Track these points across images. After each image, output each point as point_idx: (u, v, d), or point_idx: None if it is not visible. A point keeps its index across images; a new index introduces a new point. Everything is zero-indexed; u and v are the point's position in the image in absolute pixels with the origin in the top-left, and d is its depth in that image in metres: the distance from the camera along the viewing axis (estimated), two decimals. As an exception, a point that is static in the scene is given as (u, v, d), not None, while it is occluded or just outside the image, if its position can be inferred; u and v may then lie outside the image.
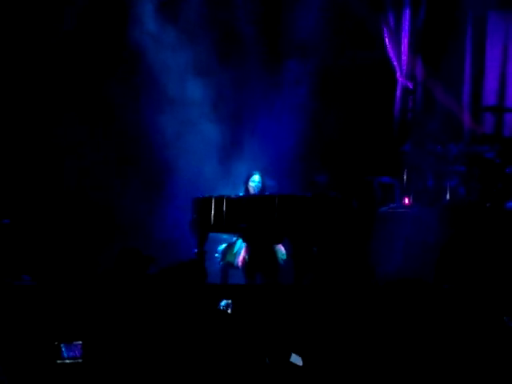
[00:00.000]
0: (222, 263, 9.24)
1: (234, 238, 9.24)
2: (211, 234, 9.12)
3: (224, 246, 9.29)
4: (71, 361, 5.18)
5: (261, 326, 5.98)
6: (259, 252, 9.05)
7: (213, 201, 8.89)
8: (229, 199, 8.87)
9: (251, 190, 9.22)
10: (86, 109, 10.47)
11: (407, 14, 11.51)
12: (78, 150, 10.45)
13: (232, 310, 5.91)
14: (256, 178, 9.24)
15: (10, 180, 10.21)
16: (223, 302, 5.97)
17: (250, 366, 4.74)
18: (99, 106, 10.55)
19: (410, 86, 11.41)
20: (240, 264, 9.10)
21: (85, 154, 10.47)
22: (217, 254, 9.28)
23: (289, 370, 4.97)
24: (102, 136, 10.61)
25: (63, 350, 5.22)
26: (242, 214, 8.82)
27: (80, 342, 5.26)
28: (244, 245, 9.12)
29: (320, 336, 6.44)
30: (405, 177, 10.39)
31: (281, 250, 9.13)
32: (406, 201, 10.24)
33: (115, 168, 10.60)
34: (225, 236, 9.33)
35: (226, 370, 4.68)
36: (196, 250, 8.97)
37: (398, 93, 11.45)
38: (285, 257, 9.10)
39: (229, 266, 9.21)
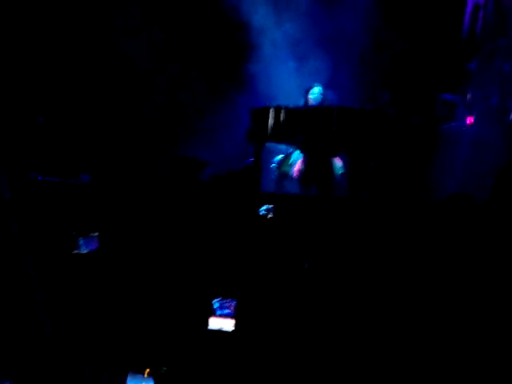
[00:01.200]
0: (277, 173, 9.25)
1: (291, 150, 9.23)
2: (268, 145, 9.12)
3: (280, 156, 9.29)
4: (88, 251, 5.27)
5: (307, 234, 5.99)
6: (315, 164, 9.04)
7: (271, 110, 8.83)
8: (287, 109, 8.81)
9: (311, 102, 9.17)
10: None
11: None
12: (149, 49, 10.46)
13: (273, 215, 5.91)
14: (316, 90, 9.19)
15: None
16: (264, 207, 5.98)
17: (288, 270, 4.77)
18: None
19: (481, 1, 11.02)
20: (295, 175, 9.11)
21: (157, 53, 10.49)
22: (273, 164, 9.29)
23: (326, 278, 4.99)
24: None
25: (81, 242, 5.31)
26: (299, 125, 8.76)
27: (96, 234, 5.35)
28: (300, 156, 9.11)
29: (368, 251, 6.43)
30: (469, 95, 10.14)
31: (338, 163, 9.09)
32: (469, 119, 10.01)
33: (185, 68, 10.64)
34: (281, 147, 9.32)
35: (265, 273, 4.72)
36: (252, 159, 8.98)
37: (469, 8, 11.08)
38: (342, 170, 9.07)
39: (284, 176, 9.23)
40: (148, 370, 5.01)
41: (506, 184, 8.30)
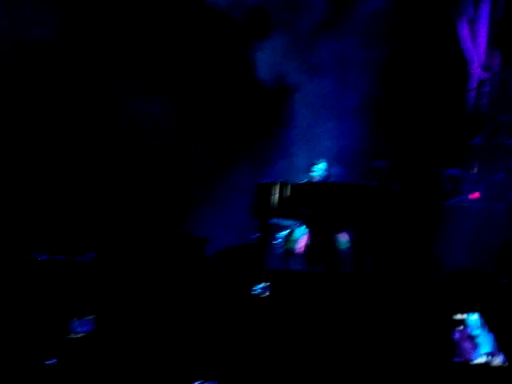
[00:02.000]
0: (282, 249, 9.24)
1: (296, 225, 9.23)
2: (273, 220, 9.16)
3: (286, 232, 9.29)
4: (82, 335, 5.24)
5: (308, 311, 5.96)
6: (321, 240, 9.03)
7: (277, 186, 8.88)
8: (293, 185, 8.88)
9: (315, 178, 9.20)
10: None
11: (487, 3, 11.22)
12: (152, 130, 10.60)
13: (269, 293, 5.89)
14: (321, 165, 9.23)
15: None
16: (260, 285, 5.97)
17: (286, 348, 4.74)
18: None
19: (486, 78, 11.13)
20: (301, 251, 9.10)
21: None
22: (278, 240, 9.29)
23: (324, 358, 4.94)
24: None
25: (75, 324, 5.29)
26: (305, 201, 8.80)
27: (92, 317, 5.34)
28: (306, 232, 9.11)
29: (374, 325, 6.38)
30: (474, 170, 10.19)
31: (343, 238, 9.07)
32: (475, 195, 10.03)
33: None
34: (287, 223, 9.33)
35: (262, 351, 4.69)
36: (257, 235, 8.99)
37: (474, 84, 11.19)
38: (347, 245, 9.05)
39: (289, 252, 9.20)
40: None
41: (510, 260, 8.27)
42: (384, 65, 10.49)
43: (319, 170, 9.19)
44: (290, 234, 9.22)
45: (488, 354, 5.27)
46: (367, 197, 8.60)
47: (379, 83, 10.48)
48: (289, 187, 8.87)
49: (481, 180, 10.12)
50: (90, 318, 5.42)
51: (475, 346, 5.33)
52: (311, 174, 9.23)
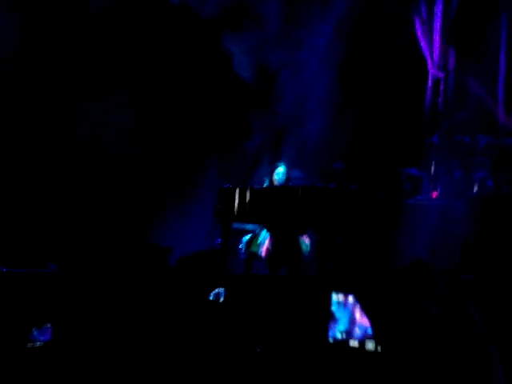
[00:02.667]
0: (246, 254, 9.27)
1: (259, 229, 9.27)
2: (237, 225, 9.20)
3: (248, 236, 9.32)
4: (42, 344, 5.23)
5: (266, 316, 5.98)
6: (283, 243, 9.08)
7: (237, 191, 8.93)
8: (253, 189, 8.93)
9: (275, 182, 9.25)
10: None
11: (440, 3, 11.35)
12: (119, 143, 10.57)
13: (224, 299, 5.90)
14: (280, 169, 9.27)
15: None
16: (214, 291, 5.97)
17: (240, 355, 4.75)
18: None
19: (441, 77, 11.25)
20: (264, 254, 9.13)
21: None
22: (241, 245, 9.32)
23: (279, 360, 4.97)
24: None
25: (34, 333, 5.27)
26: (265, 205, 8.85)
27: (49, 325, 5.32)
28: (268, 235, 9.15)
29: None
30: (432, 168, 10.31)
31: (305, 241, 9.13)
32: (434, 194, 10.15)
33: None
34: (250, 227, 9.36)
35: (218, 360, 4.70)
36: (220, 240, 9.02)
37: (429, 83, 11.31)
38: (309, 248, 9.11)
39: (253, 256, 9.24)
40: None
41: (471, 256, 8.37)
42: (341, 64, 10.55)
43: (279, 174, 9.24)
44: (254, 237, 9.25)
45: (343, 332, 5.44)
46: (327, 199, 8.66)
47: (337, 83, 10.54)
48: (249, 191, 8.91)
49: (440, 178, 10.23)
50: (48, 326, 5.38)
51: (333, 323, 5.53)
52: (271, 177, 9.28)
